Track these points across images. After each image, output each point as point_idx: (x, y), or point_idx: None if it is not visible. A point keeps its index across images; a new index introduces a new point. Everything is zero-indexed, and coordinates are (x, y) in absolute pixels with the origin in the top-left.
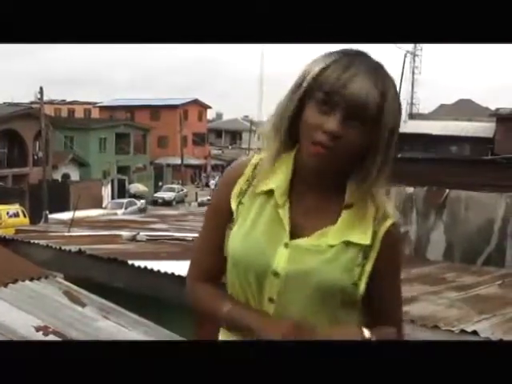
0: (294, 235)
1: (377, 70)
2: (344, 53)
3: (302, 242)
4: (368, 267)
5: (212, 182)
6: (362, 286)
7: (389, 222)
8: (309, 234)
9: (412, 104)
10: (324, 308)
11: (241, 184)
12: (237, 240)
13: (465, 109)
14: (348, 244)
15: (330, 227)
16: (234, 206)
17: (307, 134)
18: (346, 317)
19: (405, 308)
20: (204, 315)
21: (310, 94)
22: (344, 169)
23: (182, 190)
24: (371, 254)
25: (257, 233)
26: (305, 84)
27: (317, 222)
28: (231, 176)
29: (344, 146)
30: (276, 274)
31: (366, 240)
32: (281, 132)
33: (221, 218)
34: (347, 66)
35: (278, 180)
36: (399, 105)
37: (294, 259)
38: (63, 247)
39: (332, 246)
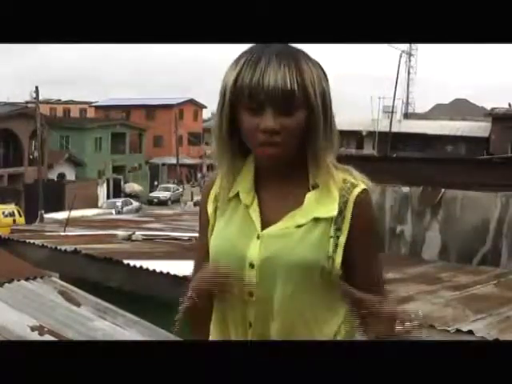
0: (264, 227)
1: (286, 51)
2: (251, 50)
3: (271, 229)
4: (342, 239)
5: None
6: (338, 259)
7: (357, 190)
8: (278, 221)
9: (407, 103)
10: (303, 290)
11: (215, 191)
12: (214, 239)
13: (460, 108)
14: (317, 220)
15: (297, 210)
16: (210, 211)
17: (250, 140)
18: (327, 295)
19: (400, 307)
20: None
21: (235, 103)
22: (297, 152)
23: (178, 190)
24: (344, 226)
25: (230, 230)
26: (227, 97)
27: (286, 209)
28: (207, 188)
29: (287, 136)
30: (252, 266)
31: (331, 212)
32: (227, 150)
33: (204, 225)
34: (257, 62)
35: (243, 183)
36: (321, 70)
37: (265, 247)
38: (59, 247)
39: (300, 226)
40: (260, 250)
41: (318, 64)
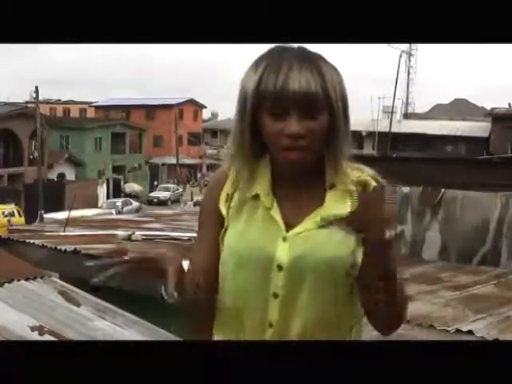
0: (288, 229)
1: (305, 55)
2: (270, 54)
3: (296, 230)
4: (362, 234)
5: None
6: (360, 253)
7: (371, 187)
8: (300, 222)
9: (407, 104)
10: (328, 288)
11: (227, 189)
12: (234, 240)
13: (460, 108)
14: (339, 220)
15: (318, 210)
16: (224, 211)
17: (274, 144)
18: (347, 292)
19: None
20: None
21: (257, 107)
22: (317, 155)
23: (178, 190)
24: None
25: (253, 231)
26: (249, 102)
27: (306, 209)
28: (216, 184)
29: (312, 139)
30: (280, 268)
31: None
32: (247, 153)
33: (213, 221)
34: (279, 66)
35: (260, 184)
36: (337, 73)
37: (293, 249)
38: (58, 247)
39: (324, 226)
40: (289, 252)
41: (334, 67)
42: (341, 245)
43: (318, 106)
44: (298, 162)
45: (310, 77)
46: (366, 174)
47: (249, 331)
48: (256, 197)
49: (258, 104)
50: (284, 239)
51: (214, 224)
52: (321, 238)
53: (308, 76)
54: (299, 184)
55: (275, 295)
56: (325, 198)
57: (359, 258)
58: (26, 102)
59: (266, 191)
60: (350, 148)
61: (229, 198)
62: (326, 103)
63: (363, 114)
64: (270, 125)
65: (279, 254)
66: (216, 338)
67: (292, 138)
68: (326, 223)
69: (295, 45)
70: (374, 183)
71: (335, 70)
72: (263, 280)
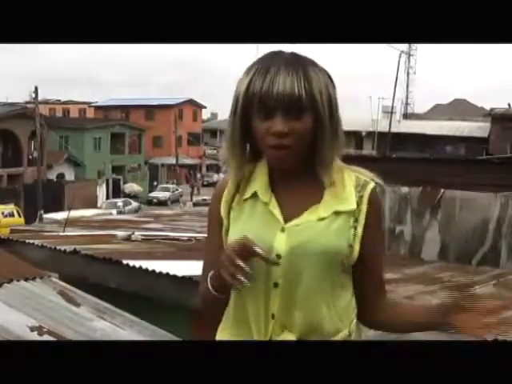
0: (286, 221)
1: (294, 60)
2: (262, 59)
3: (295, 222)
4: (359, 230)
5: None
6: (357, 247)
7: (371, 186)
8: (299, 215)
9: (407, 104)
10: (326, 278)
11: (228, 193)
12: (236, 235)
13: (460, 109)
14: (337, 214)
15: (316, 205)
16: (224, 213)
17: (262, 143)
18: (344, 284)
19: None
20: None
21: (248, 109)
22: (306, 153)
23: (177, 190)
24: (360, 218)
25: (253, 225)
26: (240, 104)
27: (303, 204)
28: (219, 188)
29: (296, 138)
30: (279, 256)
31: (351, 205)
32: (239, 154)
33: (217, 226)
34: (267, 70)
35: (258, 183)
36: (327, 77)
37: (292, 239)
38: (58, 247)
39: (322, 219)
40: (287, 242)
41: (325, 71)
42: (338, 236)
43: (301, 108)
44: (284, 159)
45: (295, 80)
46: (364, 174)
47: (254, 326)
48: (255, 195)
49: (248, 106)
50: (282, 230)
51: (219, 229)
52: (319, 228)
53: (293, 79)
54: (296, 182)
55: (275, 285)
56: (322, 195)
57: (356, 249)
58: (26, 103)
59: (263, 188)
60: (340, 148)
61: (229, 202)
62: (311, 105)
63: (363, 114)
64: (259, 125)
65: (277, 244)
66: (220, 338)
67: (277, 136)
68: (324, 217)
69: (288, 50)
70: (372, 184)
71: (325, 73)
72: (264, 270)
